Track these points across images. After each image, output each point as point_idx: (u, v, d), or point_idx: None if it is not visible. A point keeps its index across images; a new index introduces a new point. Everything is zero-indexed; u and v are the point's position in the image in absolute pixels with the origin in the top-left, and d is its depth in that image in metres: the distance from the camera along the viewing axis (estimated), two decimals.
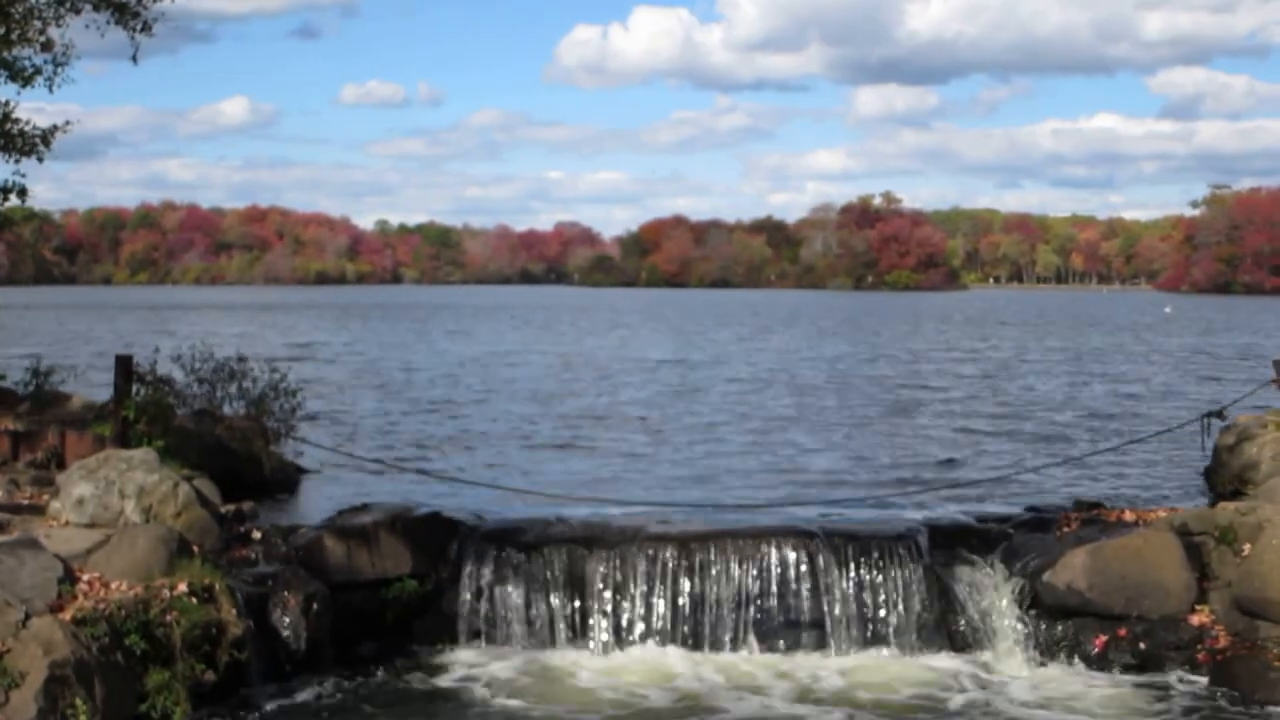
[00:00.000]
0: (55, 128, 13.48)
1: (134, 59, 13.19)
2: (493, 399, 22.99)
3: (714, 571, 9.92)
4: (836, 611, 9.81)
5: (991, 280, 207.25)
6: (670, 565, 9.94)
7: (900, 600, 9.83)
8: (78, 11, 12.85)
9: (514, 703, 8.84)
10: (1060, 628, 9.72)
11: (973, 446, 16.98)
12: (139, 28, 12.98)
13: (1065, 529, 10.50)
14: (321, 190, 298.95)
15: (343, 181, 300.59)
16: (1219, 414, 12.76)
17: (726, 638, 9.80)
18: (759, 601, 9.84)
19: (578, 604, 9.93)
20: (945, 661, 9.62)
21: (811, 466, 15.13)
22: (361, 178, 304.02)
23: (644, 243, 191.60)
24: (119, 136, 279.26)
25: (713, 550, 9.99)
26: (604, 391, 24.59)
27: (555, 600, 9.95)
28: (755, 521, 10.57)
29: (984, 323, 62.04)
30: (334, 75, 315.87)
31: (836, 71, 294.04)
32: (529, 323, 58.85)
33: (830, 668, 9.44)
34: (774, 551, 9.96)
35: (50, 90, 13.13)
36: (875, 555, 9.94)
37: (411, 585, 9.95)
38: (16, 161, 13.35)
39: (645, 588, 9.90)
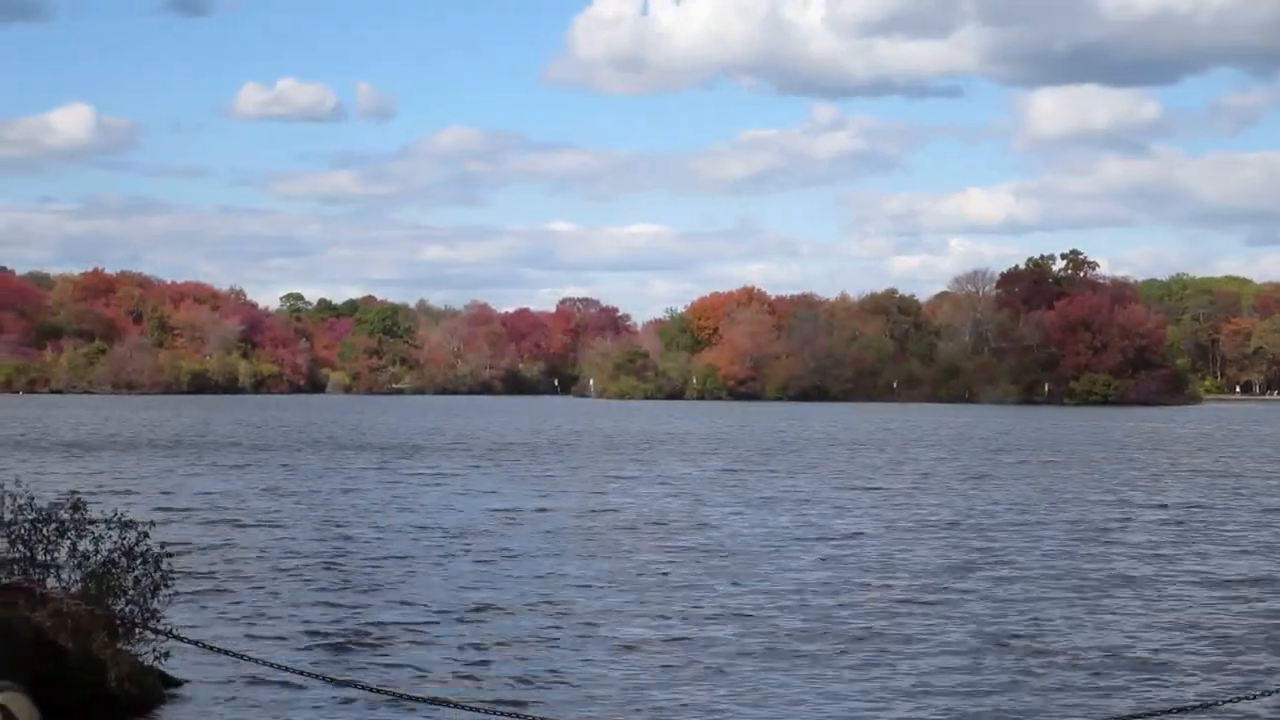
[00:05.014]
0: None
1: None
2: (476, 572, 23.38)
3: None
4: None
5: (1237, 389, 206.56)
6: None
7: None
8: None
9: None
10: None
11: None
12: None
13: None
14: (201, 249, 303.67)
15: (234, 235, 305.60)
16: None
17: None
18: None
19: None
20: None
21: None
22: (263, 230, 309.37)
23: (696, 330, 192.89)
24: None
25: None
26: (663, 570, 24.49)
27: None
28: None
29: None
30: (227, 72, 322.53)
31: (1001, 66, 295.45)
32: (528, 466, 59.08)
33: None
34: None
35: None
36: None
37: None
38: None
39: None
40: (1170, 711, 12.88)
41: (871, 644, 17.87)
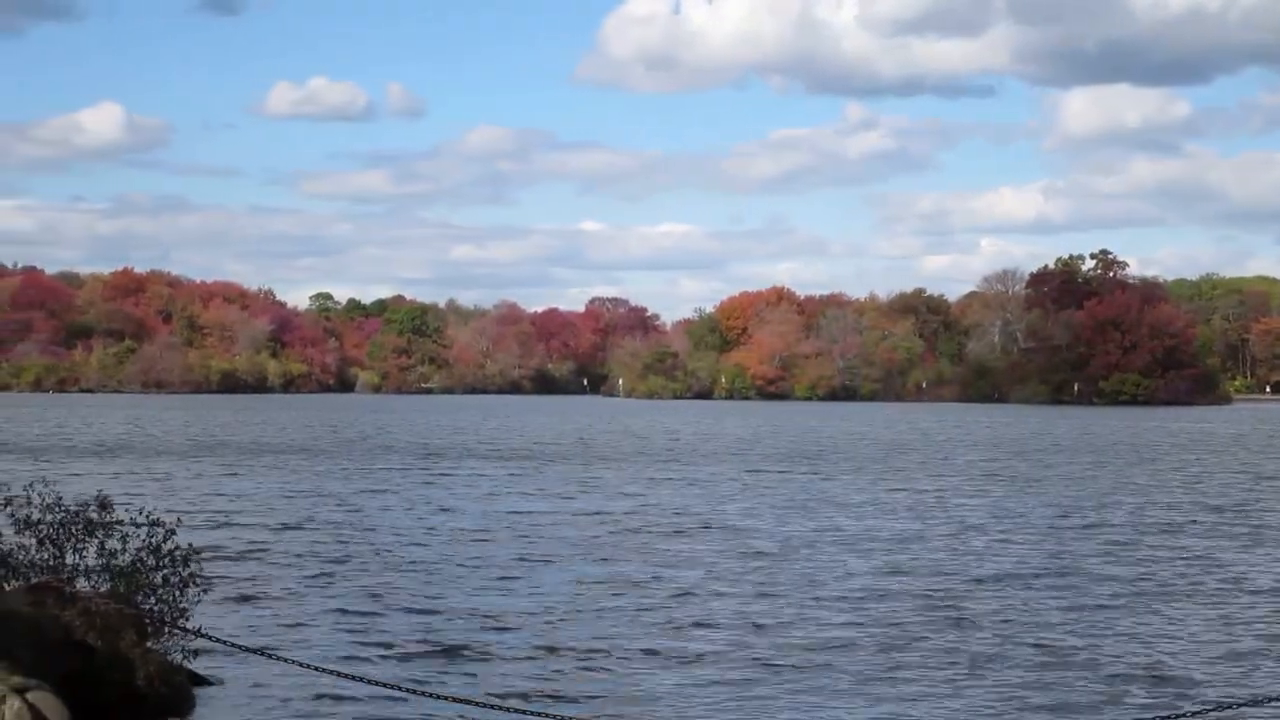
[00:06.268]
0: None
1: None
2: (514, 576, 23.33)
3: None
4: None
5: (1267, 389, 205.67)
6: None
7: None
8: None
9: None
10: None
11: None
12: None
13: None
14: (231, 248, 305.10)
15: (263, 235, 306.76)
16: None
17: None
18: None
19: None
20: None
21: None
22: (292, 229, 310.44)
23: (725, 330, 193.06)
24: None
25: None
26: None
27: None
28: None
29: None
30: (258, 71, 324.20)
31: (1032, 65, 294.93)
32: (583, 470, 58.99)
33: None
34: None
35: None
36: None
37: None
38: None
39: None
40: (1206, 710, 12.72)
41: (916, 652, 17.61)
